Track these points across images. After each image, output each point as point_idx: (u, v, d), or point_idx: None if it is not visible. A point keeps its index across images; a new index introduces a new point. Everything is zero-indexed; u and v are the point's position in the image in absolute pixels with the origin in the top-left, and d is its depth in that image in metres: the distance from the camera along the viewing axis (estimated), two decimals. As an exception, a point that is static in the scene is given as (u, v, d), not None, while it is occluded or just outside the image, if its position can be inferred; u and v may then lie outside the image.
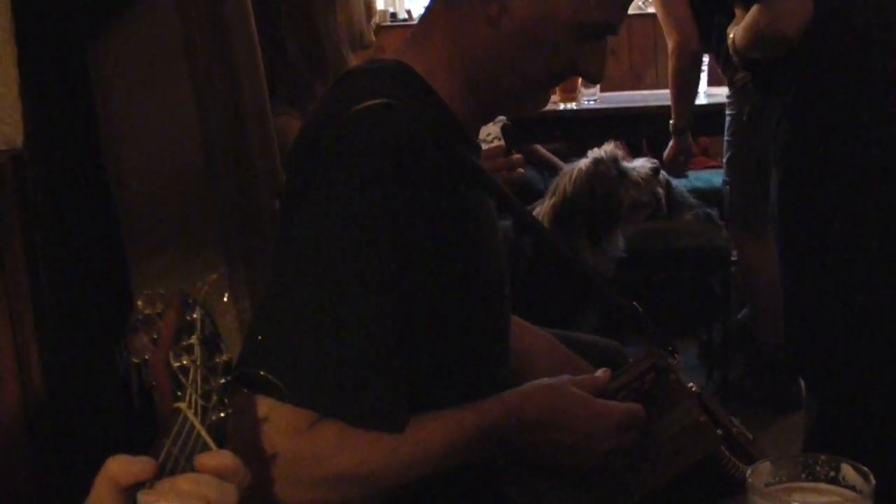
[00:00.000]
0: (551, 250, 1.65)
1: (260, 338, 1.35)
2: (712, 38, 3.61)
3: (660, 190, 3.70)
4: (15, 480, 1.83)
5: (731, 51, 2.72)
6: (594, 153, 3.59)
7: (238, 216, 2.12)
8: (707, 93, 4.56)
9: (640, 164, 3.62)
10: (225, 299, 1.18)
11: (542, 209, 3.53)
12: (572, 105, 4.40)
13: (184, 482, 0.93)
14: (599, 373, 1.58)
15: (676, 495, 1.58)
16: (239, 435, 1.27)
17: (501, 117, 2.45)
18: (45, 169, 1.89)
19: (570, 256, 1.66)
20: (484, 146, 2.40)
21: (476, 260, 1.51)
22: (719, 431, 1.59)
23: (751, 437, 1.63)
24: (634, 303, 1.64)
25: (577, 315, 3.50)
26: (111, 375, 2.05)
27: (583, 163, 3.58)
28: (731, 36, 2.66)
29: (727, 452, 1.58)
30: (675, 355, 1.61)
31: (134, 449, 0.96)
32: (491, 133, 2.43)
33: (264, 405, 1.29)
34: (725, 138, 4.03)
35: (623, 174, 3.54)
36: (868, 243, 2.59)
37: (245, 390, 1.30)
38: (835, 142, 2.57)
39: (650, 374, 1.57)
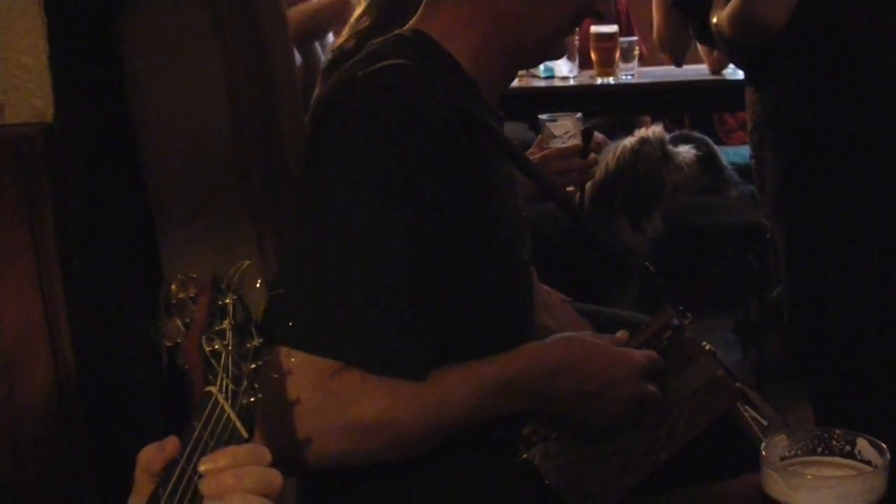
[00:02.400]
0: (570, 217, 1.65)
1: (282, 290, 1.37)
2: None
3: (702, 175, 3.68)
4: (46, 451, 1.86)
5: (716, 38, 2.71)
6: (641, 133, 3.58)
7: (266, 185, 2.14)
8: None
9: (686, 150, 3.60)
10: (258, 285, 1.19)
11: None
12: (609, 80, 4.37)
13: (228, 477, 0.96)
14: (619, 334, 1.58)
15: (700, 468, 1.59)
16: (263, 384, 1.29)
17: (578, 113, 2.44)
18: (75, 141, 1.91)
19: (581, 221, 1.66)
20: (560, 143, 2.39)
21: (491, 220, 1.52)
22: (738, 385, 1.60)
23: (765, 422, 1.63)
24: (647, 263, 1.65)
25: (614, 290, 3.50)
26: (141, 346, 2.08)
27: (628, 141, 3.57)
28: (715, 21, 2.64)
29: (745, 409, 1.59)
30: (687, 315, 1.61)
31: (163, 425, 0.99)
32: (569, 131, 2.41)
33: (288, 356, 1.31)
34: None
35: (667, 157, 3.53)
36: (875, 232, 2.60)
37: (268, 342, 1.32)
38: (839, 127, 2.56)
39: (666, 332, 1.58)
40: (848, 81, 2.54)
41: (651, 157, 3.52)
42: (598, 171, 3.49)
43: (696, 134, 4.26)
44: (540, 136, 2.47)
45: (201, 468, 0.96)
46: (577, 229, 1.66)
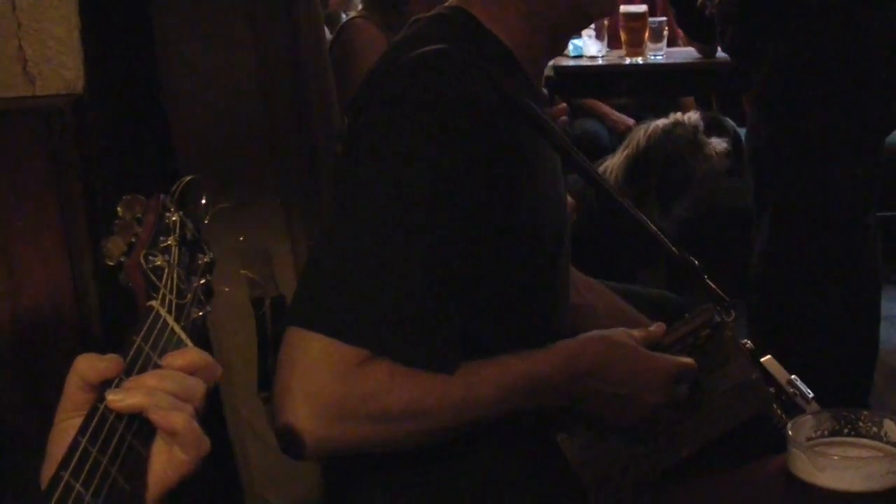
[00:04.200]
0: (612, 202, 1.62)
1: (313, 274, 1.37)
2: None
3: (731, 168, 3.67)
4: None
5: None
6: (676, 116, 3.56)
7: (295, 159, 2.14)
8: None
9: (718, 141, 3.58)
10: (203, 201, 1.18)
11: (612, 162, 3.51)
12: (639, 60, 4.34)
13: (150, 378, 0.94)
14: (654, 327, 1.56)
15: (725, 449, 1.58)
16: (290, 371, 1.30)
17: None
18: (105, 113, 1.91)
19: (630, 209, 1.63)
20: None
21: (534, 208, 1.51)
22: (771, 390, 1.58)
23: (810, 394, 1.62)
24: (692, 258, 1.62)
25: (639, 270, 3.49)
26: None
27: (662, 121, 3.55)
28: None
29: (778, 410, 1.57)
30: (731, 311, 1.59)
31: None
32: None
33: (316, 342, 1.30)
34: None
35: (699, 145, 3.51)
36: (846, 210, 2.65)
37: (297, 327, 1.32)
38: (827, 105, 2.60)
39: (704, 329, 1.55)
40: (830, 59, 2.59)
41: (681, 142, 3.50)
42: (629, 149, 3.49)
43: (726, 120, 4.25)
44: None
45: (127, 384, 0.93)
46: (618, 213, 1.63)
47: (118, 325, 1.90)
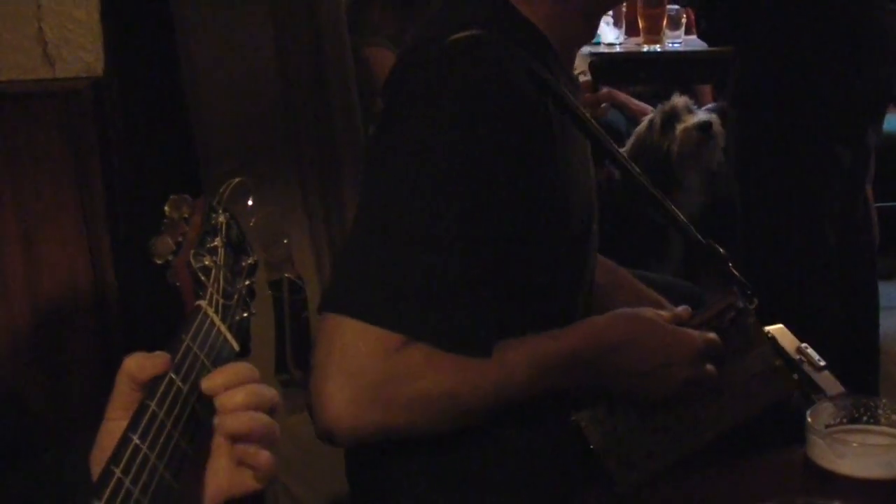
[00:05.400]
0: (641, 191, 1.62)
1: (349, 260, 1.38)
2: None
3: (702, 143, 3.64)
4: (92, 404, 1.88)
5: None
6: (661, 105, 3.57)
7: (313, 144, 2.14)
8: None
9: (697, 118, 3.56)
10: (249, 203, 1.19)
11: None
12: (656, 47, 4.33)
13: (242, 395, 0.98)
14: (680, 309, 1.56)
15: (749, 434, 1.58)
16: (327, 357, 1.30)
17: (587, 49, 2.41)
18: (124, 96, 1.92)
19: (660, 198, 1.63)
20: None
21: (565, 194, 1.50)
22: (795, 376, 1.58)
23: (822, 362, 1.61)
24: (716, 245, 1.62)
25: (652, 257, 3.48)
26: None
27: (646, 118, 3.58)
28: None
29: (802, 398, 1.57)
30: (754, 299, 1.58)
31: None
32: (578, 67, 2.39)
33: (353, 328, 1.31)
34: None
35: (670, 128, 3.51)
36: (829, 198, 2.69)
37: (333, 313, 1.32)
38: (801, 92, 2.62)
39: (729, 313, 1.55)
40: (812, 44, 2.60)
41: (654, 129, 3.51)
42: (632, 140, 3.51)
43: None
44: None
45: (203, 386, 0.96)
46: (648, 202, 1.62)
47: (135, 306, 1.91)
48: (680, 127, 3.52)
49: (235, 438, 0.99)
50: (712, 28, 2.86)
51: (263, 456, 0.98)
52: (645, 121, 3.59)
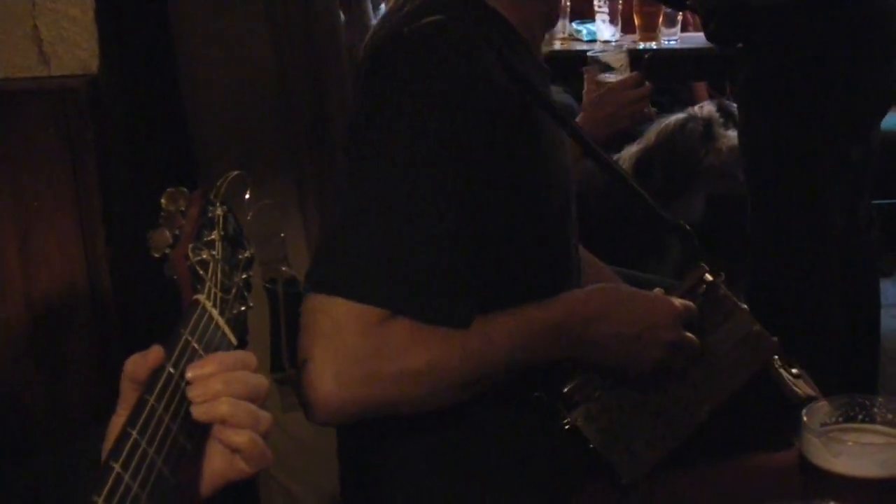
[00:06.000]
0: (608, 171, 1.64)
1: (329, 239, 1.40)
2: None
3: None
4: (89, 401, 1.88)
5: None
6: (690, 110, 3.55)
7: (310, 138, 2.14)
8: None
9: (732, 136, 3.56)
10: (247, 196, 1.19)
11: (624, 154, 3.51)
12: (652, 44, 4.32)
13: (219, 383, 0.97)
14: (655, 291, 1.59)
15: (739, 440, 1.59)
16: (311, 336, 1.32)
17: (623, 45, 2.41)
18: (120, 93, 1.92)
19: (627, 178, 1.65)
20: (613, 77, 2.38)
21: (538, 176, 1.52)
22: (774, 339, 1.59)
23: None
24: (681, 222, 1.64)
25: (651, 257, 3.48)
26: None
27: (675, 116, 3.55)
28: None
29: (781, 365, 1.59)
30: (721, 274, 1.60)
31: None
32: (623, 63, 2.39)
33: (335, 305, 1.32)
34: None
35: (710, 138, 3.49)
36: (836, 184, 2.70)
37: (316, 293, 1.34)
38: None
39: (700, 288, 1.58)
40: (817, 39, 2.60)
41: (693, 135, 3.49)
42: (641, 144, 3.49)
43: (732, 106, 4.23)
44: (589, 74, 2.44)
45: (188, 374, 0.96)
46: (618, 187, 1.64)
47: (131, 304, 1.91)
48: (728, 144, 3.50)
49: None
50: (720, 28, 2.87)
51: (243, 436, 0.97)
52: (671, 121, 3.55)
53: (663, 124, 3.50)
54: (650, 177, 3.44)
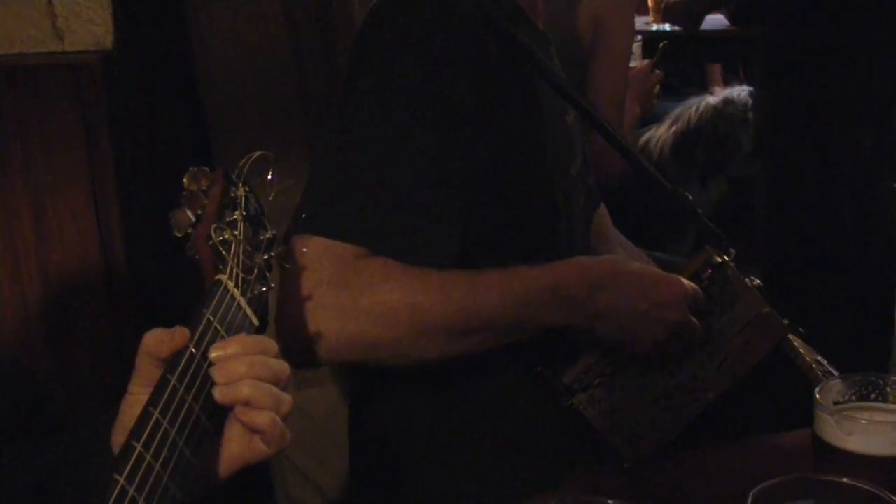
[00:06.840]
0: (610, 139, 1.63)
1: (313, 187, 1.41)
2: None
3: None
4: (101, 379, 1.89)
5: None
6: (726, 93, 3.56)
7: (325, 113, 2.14)
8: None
9: None
10: (269, 177, 1.19)
11: (657, 133, 3.51)
12: (665, 26, 4.32)
13: (243, 366, 0.98)
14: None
15: (750, 403, 1.59)
16: (293, 275, 1.32)
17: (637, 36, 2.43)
18: (134, 69, 1.92)
19: (629, 148, 1.64)
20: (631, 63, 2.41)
21: (531, 131, 1.52)
22: (785, 321, 1.58)
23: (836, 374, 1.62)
24: (687, 194, 1.63)
25: (669, 239, 3.48)
26: (198, 272, 2.10)
27: (712, 98, 3.55)
28: None
29: (794, 342, 1.57)
30: (731, 251, 1.58)
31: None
32: (634, 52, 2.43)
33: (317, 244, 1.34)
34: None
35: (748, 122, 3.50)
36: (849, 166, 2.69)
37: (298, 235, 1.35)
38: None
39: (706, 271, 1.54)
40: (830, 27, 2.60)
41: (733, 118, 3.50)
42: (679, 124, 3.50)
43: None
44: None
45: (212, 355, 0.97)
46: (618, 150, 1.63)
47: (145, 280, 1.91)
48: None
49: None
50: (741, 7, 2.88)
51: (264, 417, 0.98)
52: (709, 102, 3.55)
53: (702, 105, 3.51)
54: (693, 157, 3.45)
